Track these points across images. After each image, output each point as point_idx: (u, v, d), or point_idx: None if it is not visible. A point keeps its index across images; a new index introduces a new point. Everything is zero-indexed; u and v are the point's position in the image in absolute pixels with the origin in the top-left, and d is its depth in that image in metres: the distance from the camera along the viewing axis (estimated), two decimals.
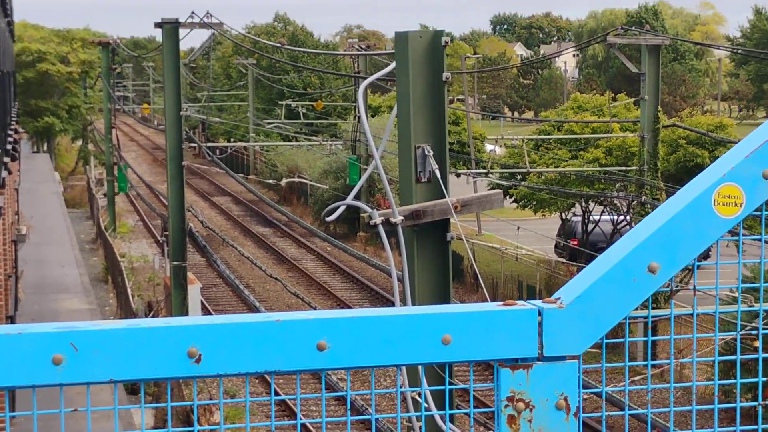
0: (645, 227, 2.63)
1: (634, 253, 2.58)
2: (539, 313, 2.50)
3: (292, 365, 2.41)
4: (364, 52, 21.31)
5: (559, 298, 2.56)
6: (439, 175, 10.59)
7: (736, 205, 2.62)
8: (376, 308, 2.53)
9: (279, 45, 21.95)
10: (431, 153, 10.66)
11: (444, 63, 10.77)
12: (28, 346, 2.24)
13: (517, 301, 2.55)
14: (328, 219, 9.45)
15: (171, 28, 27.77)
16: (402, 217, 10.24)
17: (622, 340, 2.70)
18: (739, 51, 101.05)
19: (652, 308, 3.28)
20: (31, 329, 2.25)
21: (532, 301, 2.55)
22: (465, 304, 2.57)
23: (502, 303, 2.53)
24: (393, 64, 10.89)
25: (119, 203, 61.73)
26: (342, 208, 8.94)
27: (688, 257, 2.63)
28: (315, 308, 27.20)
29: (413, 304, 11.12)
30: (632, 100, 43.69)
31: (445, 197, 10.61)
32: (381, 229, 9.18)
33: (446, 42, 10.71)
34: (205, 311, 38.22)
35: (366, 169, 8.93)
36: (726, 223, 2.62)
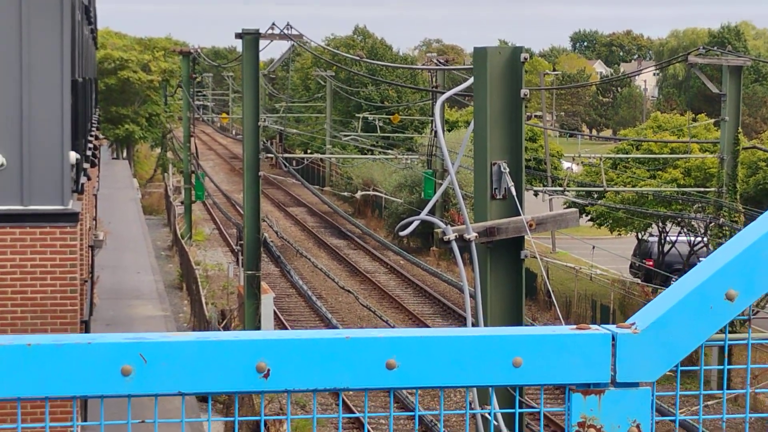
0: (723, 253, 2.57)
1: (712, 279, 2.53)
2: (613, 338, 2.46)
3: (360, 383, 2.39)
4: (442, 67, 21.25)
5: (633, 324, 2.52)
6: (514, 192, 10.52)
7: None
8: (446, 328, 2.51)
9: (357, 58, 22.00)
10: (507, 170, 10.60)
11: (522, 80, 10.71)
12: (99, 356, 2.24)
13: (590, 325, 2.51)
14: (402, 234, 9.43)
15: (251, 38, 27.95)
16: (476, 234, 10.19)
17: (697, 368, 2.65)
18: None
19: (729, 332, 3.21)
20: (102, 339, 2.25)
21: (606, 326, 2.51)
22: (537, 326, 2.53)
23: (575, 327, 2.49)
24: (471, 80, 10.85)
25: (196, 211, 62.20)
26: (416, 223, 8.90)
27: (767, 285, 2.57)
28: (387, 321, 27.17)
29: (485, 321, 11.06)
30: (712, 121, 43.23)
31: (519, 215, 10.54)
32: (455, 245, 9.12)
33: (525, 58, 10.64)
34: (278, 321, 38.39)
35: (441, 184, 8.91)
36: None
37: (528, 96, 10.63)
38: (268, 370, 2.33)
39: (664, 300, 2.55)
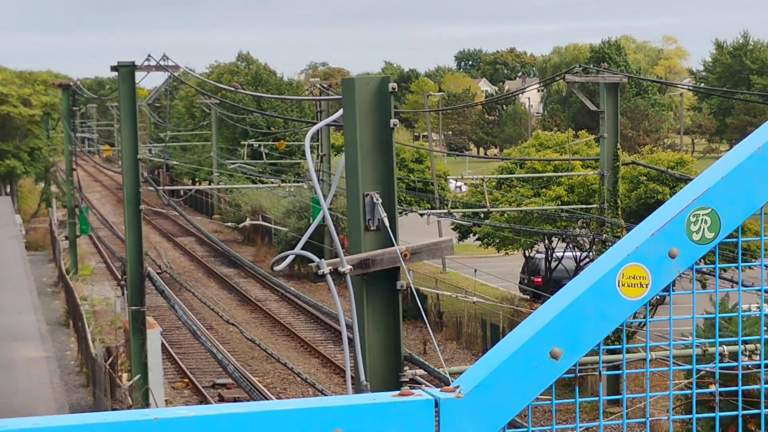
0: (547, 310, 2.52)
1: (536, 338, 2.47)
2: (436, 404, 2.40)
3: None
4: (315, 98, 21.24)
5: (458, 387, 2.45)
6: (387, 223, 10.47)
7: (641, 285, 2.52)
8: (264, 402, 2.41)
9: (233, 89, 21.84)
10: (380, 201, 10.55)
11: (392, 109, 10.68)
12: None
13: (414, 390, 2.44)
14: (276, 269, 9.33)
15: (127, 71, 27.64)
16: (350, 267, 10.12)
17: (524, 430, 2.58)
18: (700, 88, 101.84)
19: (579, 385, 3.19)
20: None
21: (429, 390, 2.44)
22: (358, 395, 2.44)
23: (398, 393, 2.42)
24: (341, 111, 10.80)
25: (82, 245, 61.33)
26: (290, 258, 8.82)
27: (592, 341, 2.52)
28: (272, 353, 26.84)
29: (363, 352, 10.97)
30: (593, 137, 43.84)
31: (394, 245, 10.49)
32: (329, 279, 9.05)
33: (393, 88, 10.61)
34: (168, 355, 37.96)
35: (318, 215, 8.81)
36: (632, 305, 2.51)
37: (397, 125, 10.59)
38: None
39: (489, 360, 2.49)
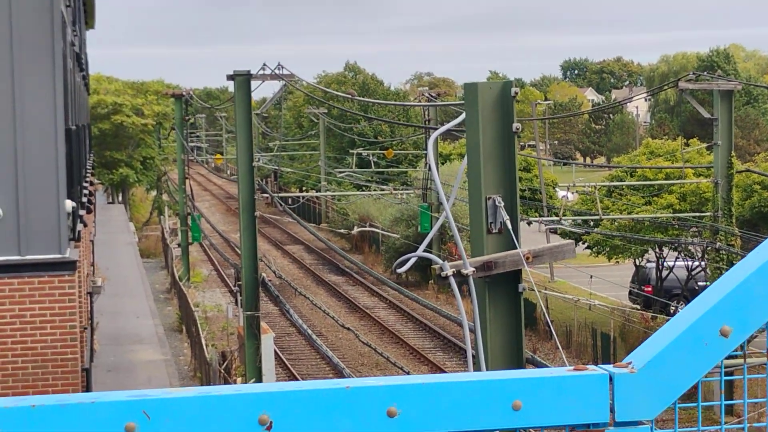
0: (716, 290, 2.60)
1: (706, 316, 2.56)
2: (610, 379, 2.49)
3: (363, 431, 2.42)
4: (433, 104, 21.42)
5: (630, 363, 2.55)
6: (510, 226, 10.55)
7: None
8: (445, 374, 2.53)
9: (349, 96, 22.07)
10: (502, 204, 10.64)
11: (514, 113, 10.76)
12: (102, 415, 2.26)
13: (588, 366, 2.53)
14: (399, 270, 9.46)
15: (243, 80, 28.05)
16: (473, 269, 10.22)
17: (694, 404, 2.68)
18: None
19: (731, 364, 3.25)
20: (105, 398, 2.27)
21: (603, 366, 2.53)
22: (535, 369, 2.56)
23: (572, 368, 2.52)
24: (463, 115, 10.92)
25: (193, 253, 62.20)
26: (413, 260, 8.94)
27: (761, 320, 2.60)
28: (387, 357, 27.06)
29: (485, 355, 11.06)
30: (705, 145, 43.33)
31: (516, 248, 10.57)
32: (453, 280, 9.17)
33: (515, 92, 10.70)
34: (279, 361, 38.34)
35: (437, 218, 8.92)
36: None
37: (520, 129, 10.68)
38: (271, 423, 2.35)
39: (659, 338, 2.58)
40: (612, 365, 2.54)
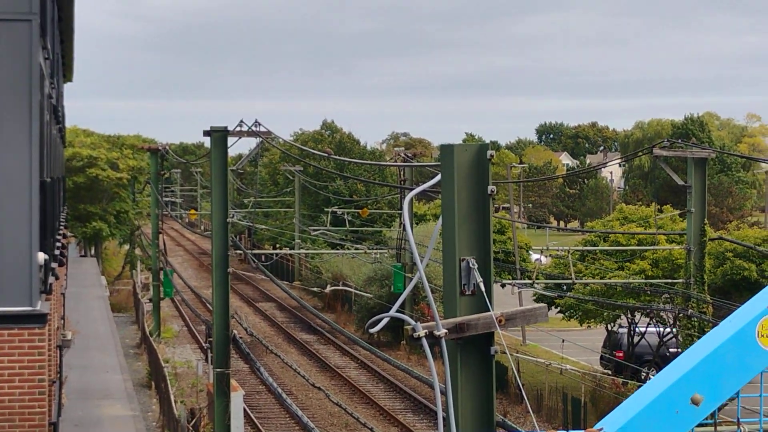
0: (688, 357, 2.62)
1: (678, 384, 2.57)
2: None
3: None
4: (409, 164, 21.50)
5: (601, 429, 2.56)
6: (483, 288, 10.54)
7: None
8: None
9: (326, 154, 22.11)
10: (476, 266, 10.61)
11: (489, 176, 10.79)
12: None
13: (558, 431, 2.54)
14: (372, 331, 9.42)
15: (219, 135, 28.09)
16: (446, 330, 10.19)
17: None
18: None
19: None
20: None
21: None
22: None
23: None
24: (438, 176, 10.94)
25: (164, 308, 61.92)
26: (385, 320, 8.93)
27: (732, 389, 2.62)
28: (357, 418, 26.92)
29: (456, 417, 11.02)
30: (678, 212, 43.57)
31: (489, 310, 10.55)
32: (425, 342, 9.15)
33: (491, 155, 10.71)
34: (248, 419, 38.08)
35: (410, 278, 8.93)
36: None
37: (495, 192, 10.71)
38: None
39: (631, 404, 2.59)
40: (583, 431, 2.54)
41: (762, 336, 2.53)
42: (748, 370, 2.51)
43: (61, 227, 32.30)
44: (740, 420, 2.72)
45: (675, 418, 2.46)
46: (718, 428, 3.07)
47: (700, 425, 2.58)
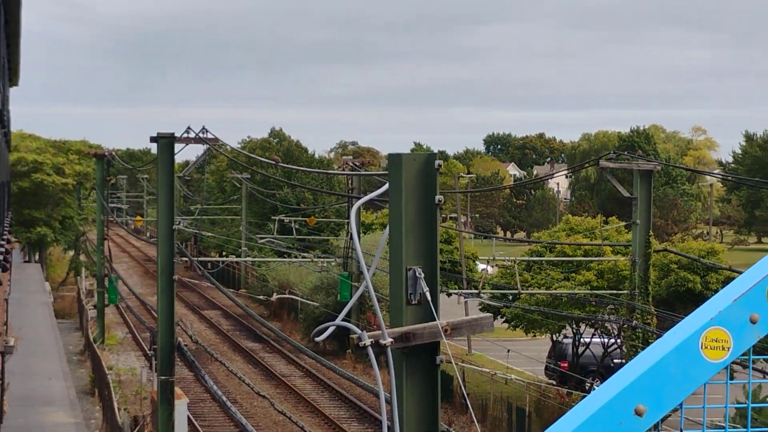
0: (632, 368, 2.62)
1: (621, 395, 2.57)
2: None
3: None
4: (357, 173, 21.44)
5: None
6: (429, 298, 10.55)
7: (723, 349, 2.62)
8: None
9: (273, 162, 22.07)
10: (422, 275, 10.63)
11: (437, 186, 10.80)
12: None
13: None
14: (317, 339, 9.40)
15: (166, 142, 27.94)
16: (391, 339, 10.20)
17: None
18: (729, 178, 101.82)
19: None
20: None
21: None
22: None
23: None
24: (386, 186, 10.95)
25: (109, 315, 61.49)
26: (331, 329, 8.92)
27: (675, 400, 2.62)
28: (302, 427, 26.87)
29: (401, 426, 11.01)
30: (624, 223, 43.87)
31: (435, 320, 10.57)
32: (370, 351, 9.13)
33: (439, 165, 10.72)
34: (192, 427, 37.87)
35: (357, 287, 8.92)
36: (713, 366, 2.61)
37: (442, 202, 10.72)
38: None
39: (575, 415, 2.58)
40: None
41: (706, 348, 2.53)
42: (691, 381, 2.52)
43: (5, 232, 32.00)
44: (683, 431, 2.72)
45: (618, 429, 2.45)
46: None
47: None
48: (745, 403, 2.97)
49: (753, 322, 2.62)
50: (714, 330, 2.61)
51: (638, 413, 2.56)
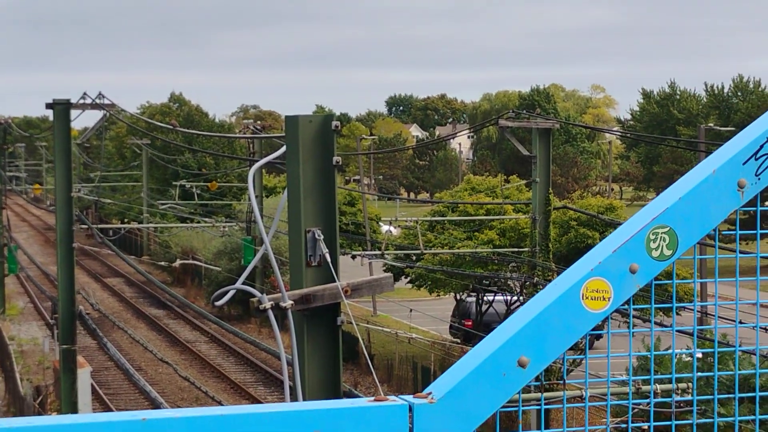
0: (515, 321, 2.64)
1: (504, 347, 2.59)
2: (410, 409, 2.50)
3: None
4: (255, 136, 21.27)
5: (430, 393, 2.56)
6: (329, 259, 10.58)
7: (604, 299, 2.65)
8: (244, 405, 2.50)
9: (171, 127, 21.89)
10: (321, 237, 10.66)
11: (334, 147, 10.82)
12: None
13: (389, 396, 2.54)
14: (217, 304, 9.37)
15: (62, 108, 27.56)
16: (292, 302, 10.21)
17: None
18: (628, 135, 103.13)
19: (546, 391, 3.32)
20: None
21: (404, 396, 2.54)
22: (336, 400, 2.55)
23: (373, 398, 2.52)
24: (284, 148, 10.93)
25: (9, 285, 60.64)
26: (231, 292, 8.90)
27: (557, 351, 2.65)
28: (206, 392, 26.79)
29: (303, 388, 11.03)
30: (524, 182, 44.25)
31: (335, 281, 10.60)
32: (270, 314, 9.13)
33: (336, 126, 10.75)
34: (96, 395, 37.59)
35: (258, 251, 8.93)
36: (594, 317, 2.65)
37: (340, 163, 10.73)
38: None
39: (459, 368, 2.60)
40: (413, 396, 2.55)
41: (586, 298, 2.56)
42: (573, 332, 2.55)
43: None
44: (588, 380, 2.76)
45: (502, 381, 2.48)
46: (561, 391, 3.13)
47: (546, 389, 2.61)
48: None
49: (632, 272, 2.65)
50: (594, 281, 2.64)
51: (521, 365, 2.59)
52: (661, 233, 2.66)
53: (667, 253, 2.67)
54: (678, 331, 2.95)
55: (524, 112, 35.14)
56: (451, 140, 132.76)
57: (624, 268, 2.65)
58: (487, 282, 44.29)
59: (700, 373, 2.86)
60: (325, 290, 10.49)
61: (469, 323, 45.95)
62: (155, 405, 33.73)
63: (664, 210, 2.67)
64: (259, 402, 38.38)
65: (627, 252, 2.65)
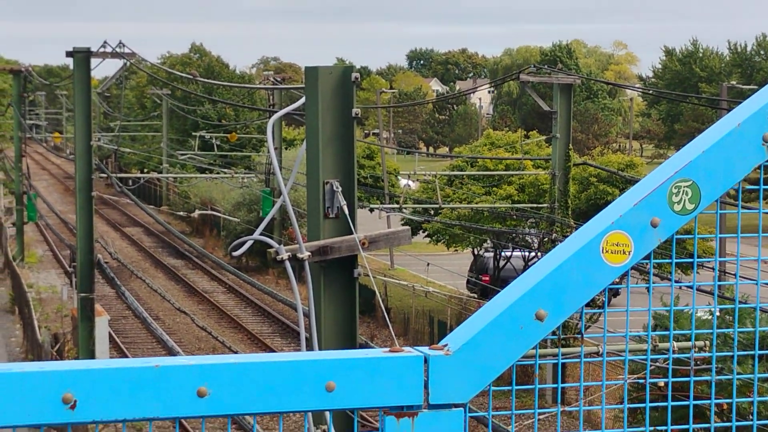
0: (533, 274, 2.61)
1: (522, 300, 2.56)
2: (425, 361, 2.48)
3: (171, 412, 2.36)
4: (276, 86, 21.27)
5: (446, 345, 2.54)
6: (347, 211, 10.56)
7: (624, 253, 2.61)
8: (258, 354, 2.49)
9: (191, 77, 21.82)
10: (340, 189, 10.63)
11: (354, 99, 10.76)
12: None
13: (404, 348, 2.52)
14: (235, 254, 9.36)
15: (82, 57, 27.51)
16: (309, 253, 10.19)
17: (508, 387, 2.68)
18: (650, 92, 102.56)
19: (563, 346, 3.27)
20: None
21: (419, 348, 2.52)
22: (351, 350, 2.53)
23: (388, 350, 2.50)
24: (303, 99, 10.87)
25: (28, 233, 60.87)
26: (249, 243, 8.88)
27: (576, 305, 2.62)
28: (223, 342, 26.88)
29: (319, 340, 11.05)
30: (544, 137, 44.10)
31: (352, 233, 10.58)
32: (288, 264, 9.11)
33: (356, 78, 10.69)
34: (114, 344, 37.78)
35: (277, 202, 8.90)
36: (614, 271, 2.61)
37: (359, 115, 10.68)
38: (75, 402, 2.28)
39: (476, 321, 2.58)
40: (428, 347, 2.52)
41: (607, 252, 2.52)
42: (592, 286, 2.52)
43: None
44: (606, 334, 2.74)
45: (519, 334, 2.45)
46: (577, 347, 3.10)
47: (564, 345, 2.57)
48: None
49: (654, 225, 2.62)
50: (615, 234, 2.60)
51: (539, 318, 2.56)
52: (684, 187, 2.62)
53: (690, 207, 2.64)
54: (697, 288, 2.92)
55: (545, 67, 34.93)
56: (472, 95, 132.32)
57: (645, 222, 2.62)
58: (506, 238, 44.27)
59: (719, 330, 2.83)
60: (342, 242, 10.49)
61: (487, 278, 45.96)
62: (172, 354, 33.89)
63: (687, 163, 2.63)
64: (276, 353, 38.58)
65: (648, 205, 2.61)
